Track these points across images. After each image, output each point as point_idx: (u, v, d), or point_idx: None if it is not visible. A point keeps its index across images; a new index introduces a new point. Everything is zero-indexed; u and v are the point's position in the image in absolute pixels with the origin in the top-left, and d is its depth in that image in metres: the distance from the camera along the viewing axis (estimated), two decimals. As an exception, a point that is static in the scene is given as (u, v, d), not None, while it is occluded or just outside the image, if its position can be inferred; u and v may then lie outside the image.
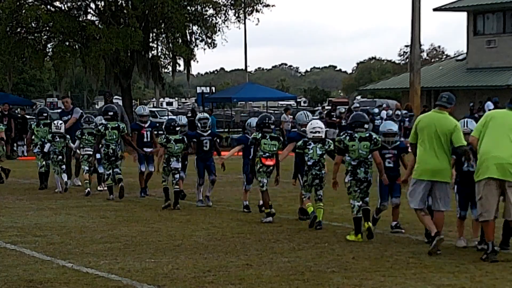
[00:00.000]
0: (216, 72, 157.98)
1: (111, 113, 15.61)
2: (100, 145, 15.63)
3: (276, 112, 56.75)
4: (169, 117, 16.67)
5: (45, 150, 17.31)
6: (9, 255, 9.86)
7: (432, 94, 44.24)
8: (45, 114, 17.73)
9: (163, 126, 14.83)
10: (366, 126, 11.24)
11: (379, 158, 11.18)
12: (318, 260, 9.42)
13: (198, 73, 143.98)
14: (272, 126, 12.85)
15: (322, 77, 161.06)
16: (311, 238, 11.03)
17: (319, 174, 11.92)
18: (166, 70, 41.89)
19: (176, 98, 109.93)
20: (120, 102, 35.55)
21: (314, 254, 9.80)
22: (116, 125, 15.50)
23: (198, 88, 57.26)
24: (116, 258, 9.59)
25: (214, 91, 56.28)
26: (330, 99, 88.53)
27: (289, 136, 13.44)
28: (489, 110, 29.45)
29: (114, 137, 15.40)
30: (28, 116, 35.79)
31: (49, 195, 16.68)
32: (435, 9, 46.78)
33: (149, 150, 16.09)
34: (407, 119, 33.10)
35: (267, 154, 12.67)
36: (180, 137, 14.52)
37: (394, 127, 11.82)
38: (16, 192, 16.94)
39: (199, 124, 14.95)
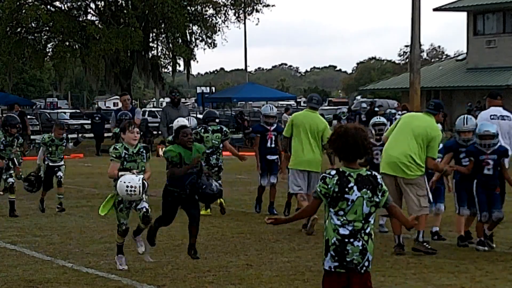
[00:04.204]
0: (216, 72, 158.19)
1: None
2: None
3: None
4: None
5: None
6: (9, 255, 9.85)
7: (432, 94, 44.17)
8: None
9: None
10: (217, 120, 13.37)
11: (229, 146, 13.45)
12: (318, 260, 9.40)
13: (198, 73, 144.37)
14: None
15: (322, 77, 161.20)
16: (311, 238, 11.02)
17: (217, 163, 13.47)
18: (166, 70, 41.95)
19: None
20: (120, 103, 35.50)
21: (314, 254, 9.78)
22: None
23: (198, 88, 57.19)
24: (116, 258, 9.56)
25: (214, 91, 56.28)
26: (330, 99, 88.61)
27: (445, 145, 10.75)
28: None
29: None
30: (29, 117, 35.86)
31: (49, 195, 16.66)
32: (435, 9, 46.81)
33: (273, 157, 13.51)
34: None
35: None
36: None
37: (492, 128, 10.04)
38: (16, 192, 16.90)
39: (373, 131, 11.86)
